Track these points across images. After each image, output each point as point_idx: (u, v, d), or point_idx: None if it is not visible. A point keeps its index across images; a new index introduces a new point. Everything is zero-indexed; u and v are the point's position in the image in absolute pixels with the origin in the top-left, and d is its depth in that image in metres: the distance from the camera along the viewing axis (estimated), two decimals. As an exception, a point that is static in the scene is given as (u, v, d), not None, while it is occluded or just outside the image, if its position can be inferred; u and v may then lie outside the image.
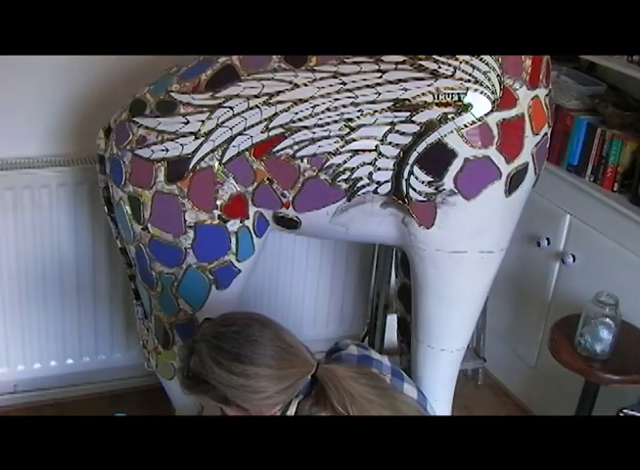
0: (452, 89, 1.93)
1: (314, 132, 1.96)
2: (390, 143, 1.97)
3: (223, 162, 2.01)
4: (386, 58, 1.94)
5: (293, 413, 1.54)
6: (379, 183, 2.02)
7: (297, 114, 1.96)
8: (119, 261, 2.39)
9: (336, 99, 1.95)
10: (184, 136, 1.99)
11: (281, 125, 1.97)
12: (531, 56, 1.99)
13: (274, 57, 1.97)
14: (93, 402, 2.76)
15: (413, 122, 1.95)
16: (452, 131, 1.95)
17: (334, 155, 1.98)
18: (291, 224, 2.12)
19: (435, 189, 2.00)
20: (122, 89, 2.26)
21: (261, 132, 1.98)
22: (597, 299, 2.17)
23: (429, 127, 1.94)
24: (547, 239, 2.61)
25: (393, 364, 1.71)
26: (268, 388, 1.51)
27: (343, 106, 1.95)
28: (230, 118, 1.98)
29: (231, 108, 1.97)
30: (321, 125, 1.96)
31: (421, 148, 1.96)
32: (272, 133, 1.98)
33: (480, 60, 1.93)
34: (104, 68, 2.44)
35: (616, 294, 2.17)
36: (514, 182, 2.05)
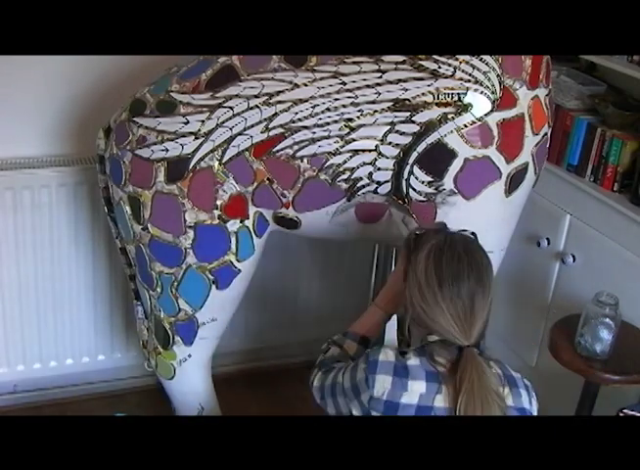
0: (452, 89, 1.93)
1: (314, 132, 1.96)
2: (390, 143, 1.97)
3: (223, 162, 2.01)
4: (386, 58, 1.94)
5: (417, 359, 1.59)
6: (379, 183, 2.02)
7: (296, 114, 1.96)
8: (119, 261, 2.39)
9: (336, 99, 1.95)
10: (184, 136, 1.99)
11: (281, 125, 1.97)
12: (531, 56, 1.99)
13: (274, 57, 1.97)
14: (93, 402, 2.76)
15: (413, 122, 1.95)
16: (452, 131, 1.95)
17: (334, 155, 1.98)
18: (291, 224, 2.12)
19: (435, 189, 2.00)
20: (122, 89, 2.26)
21: (261, 132, 1.98)
22: (597, 299, 2.17)
23: (429, 127, 1.94)
24: (547, 239, 2.61)
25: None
26: (437, 319, 1.57)
27: (343, 106, 1.95)
28: (230, 118, 1.98)
29: (231, 108, 1.97)
30: (321, 125, 1.96)
31: (421, 148, 1.96)
32: (272, 133, 1.98)
33: (480, 60, 1.93)
34: (104, 68, 2.44)
35: (616, 294, 2.17)
36: (514, 182, 2.05)
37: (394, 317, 2.71)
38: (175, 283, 2.13)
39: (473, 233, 1.75)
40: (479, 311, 1.58)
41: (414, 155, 1.97)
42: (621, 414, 1.95)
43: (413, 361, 1.58)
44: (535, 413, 1.65)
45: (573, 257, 2.52)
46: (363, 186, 2.02)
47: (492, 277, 1.64)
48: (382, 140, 1.97)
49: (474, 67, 1.93)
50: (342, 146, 1.97)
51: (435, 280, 1.58)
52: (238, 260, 2.12)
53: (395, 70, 1.94)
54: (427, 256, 1.62)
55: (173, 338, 2.23)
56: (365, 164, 1.99)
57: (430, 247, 1.63)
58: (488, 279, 1.62)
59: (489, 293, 1.61)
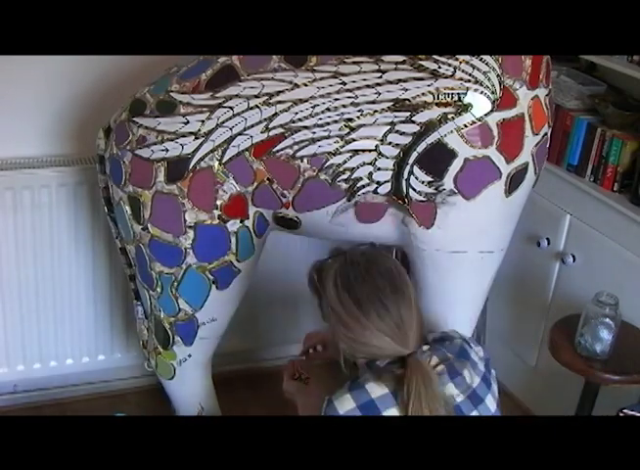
0: (452, 89, 1.93)
1: (314, 132, 1.96)
2: (390, 143, 1.97)
3: (223, 162, 2.01)
4: (386, 58, 1.94)
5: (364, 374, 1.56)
6: (379, 183, 2.02)
7: (296, 114, 1.96)
8: (119, 261, 2.39)
9: (336, 99, 1.95)
10: (184, 136, 1.99)
11: (281, 125, 1.97)
12: (531, 56, 1.99)
13: (274, 57, 1.97)
14: (93, 402, 2.76)
15: (413, 122, 1.95)
16: (452, 131, 1.95)
17: (334, 155, 1.98)
18: (291, 224, 2.12)
19: (435, 189, 2.00)
20: (122, 89, 2.26)
21: (261, 132, 1.98)
22: (597, 299, 2.17)
23: (429, 127, 1.94)
24: (547, 239, 2.61)
25: (491, 368, 1.68)
26: (370, 342, 1.54)
27: (343, 106, 1.95)
28: (230, 118, 1.98)
29: (231, 108, 1.97)
30: (321, 125, 1.96)
31: (421, 148, 1.96)
32: (272, 133, 1.98)
33: (480, 60, 1.93)
34: (104, 68, 2.44)
35: (616, 294, 2.17)
36: (514, 182, 2.05)
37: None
38: (175, 283, 2.13)
39: (371, 243, 1.72)
40: (408, 317, 1.55)
41: (414, 155, 1.97)
42: (621, 414, 1.95)
43: (376, 390, 1.54)
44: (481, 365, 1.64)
45: (573, 257, 2.52)
46: (363, 186, 2.02)
47: (406, 277, 1.60)
48: (382, 140, 1.97)
49: (474, 67, 1.93)
50: (343, 146, 1.97)
51: (353, 304, 1.55)
52: (238, 260, 2.12)
53: (395, 70, 1.94)
54: (334, 284, 1.59)
55: (173, 338, 2.23)
56: (365, 164, 1.99)
57: (333, 273, 1.60)
58: (403, 281, 1.59)
59: (410, 294, 1.58)
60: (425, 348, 1.60)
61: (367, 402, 1.53)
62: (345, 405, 1.53)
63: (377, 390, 1.54)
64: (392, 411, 1.52)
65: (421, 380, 1.51)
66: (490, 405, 1.63)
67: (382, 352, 1.55)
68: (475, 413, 1.59)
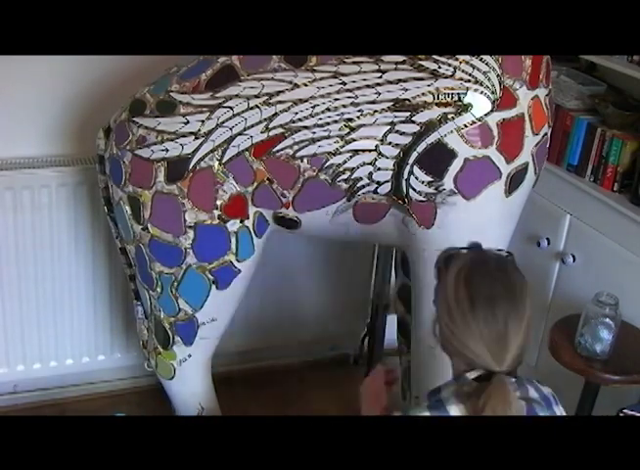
0: (452, 89, 1.93)
1: (314, 132, 1.96)
2: (390, 143, 1.97)
3: (223, 162, 2.01)
4: (386, 58, 1.94)
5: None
6: (379, 183, 2.02)
7: (296, 114, 1.96)
8: (119, 261, 2.39)
9: (336, 99, 1.95)
10: (184, 136, 1.99)
11: (281, 125, 1.97)
12: (531, 56, 1.99)
13: (274, 57, 1.97)
14: (93, 402, 2.76)
15: (413, 122, 1.95)
16: (452, 131, 1.95)
17: (334, 155, 1.98)
18: (291, 224, 2.12)
19: (435, 189, 2.00)
20: (122, 89, 2.26)
21: (261, 132, 1.98)
22: (597, 299, 2.17)
23: (429, 127, 1.94)
24: (547, 239, 2.61)
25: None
26: (467, 342, 1.49)
27: (343, 106, 1.95)
28: (230, 118, 1.98)
29: (231, 108, 1.97)
30: (321, 125, 1.96)
31: (421, 148, 1.96)
32: (272, 133, 1.98)
33: (480, 60, 1.93)
34: (104, 68, 2.44)
35: (616, 294, 2.17)
36: (514, 182, 2.05)
37: (394, 317, 2.71)
38: (175, 283, 2.13)
39: (509, 252, 1.67)
40: (513, 335, 1.48)
41: (414, 155, 1.97)
42: (621, 414, 1.95)
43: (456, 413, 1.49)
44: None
45: (573, 257, 2.52)
46: (363, 186, 2.02)
47: (528, 300, 1.53)
48: (382, 140, 1.97)
49: (474, 67, 1.93)
50: (343, 146, 1.97)
51: (467, 301, 1.49)
52: (238, 260, 2.12)
53: (395, 70, 1.94)
54: (457, 275, 1.53)
55: (173, 338, 2.23)
56: (365, 164, 1.99)
57: (460, 265, 1.55)
58: (523, 301, 1.51)
59: (525, 316, 1.51)
60: (512, 379, 1.53)
61: None
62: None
63: (456, 412, 1.49)
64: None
65: (501, 400, 1.46)
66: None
67: (473, 358, 1.49)
68: None
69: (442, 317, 1.54)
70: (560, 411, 1.61)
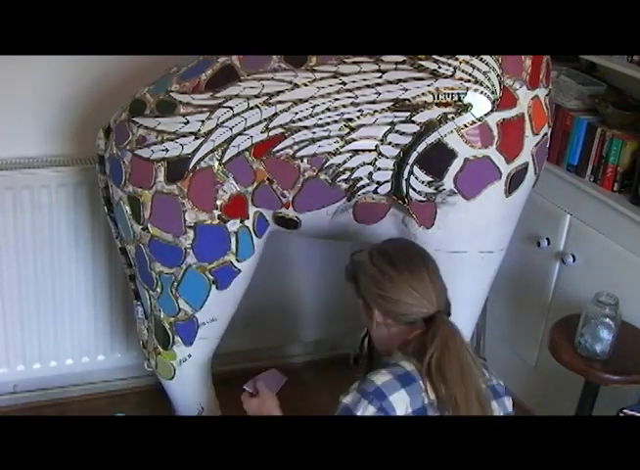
0: (452, 89, 1.93)
1: (314, 132, 1.96)
2: (390, 143, 1.97)
3: (223, 162, 2.01)
4: (386, 58, 1.94)
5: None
6: (379, 183, 2.02)
7: (296, 114, 1.96)
8: (119, 261, 2.39)
9: (336, 99, 1.95)
10: (184, 136, 1.99)
11: (281, 125, 1.97)
12: (531, 56, 1.99)
13: (274, 57, 1.97)
14: (93, 402, 2.76)
15: (413, 122, 1.95)
16: (452, 131, 1.95)
17: (334, 155, 1.98)
18: (291, 224, 2.12)
19: (435, 189, 2.00)
20: (122, 89, 2.26)
21: (261, 132, 1.98)
22: (597, 299, 2.17)
23: (429, 127, 1.94)
24: (547, 239, 2.61)
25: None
26: (401, 298, 1.66)
27: (343, 106, 1.95)
28: (230, 118, 1.98)
29: (231, 108, 1.97)
30: (321, 125, 1.96)
31: (421, 148, 1.96)
32: (272, 133, 1.98)
33: (480, 60, 1.93)
34: (104, 68, 2.44)
35: (616, 294, 2.17)
36: (514, 182, 2.05)
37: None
38: (175, 283, 2.13)
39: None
40: (435, 277, 1.68)
41: (414, 155, 1.97)
42: (621, 414, 1.95)
43: (408, 366, 1.62)
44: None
45: (573, 257, 2.52)
46: (363, 186, 2.02)
47: (435, 262, 1.73)
48: (382, 140, 1.97)
49: (474, 67, 1.93)
50: (342, 146, 1.97)
51: (387, 264, 1.67)
52: (238, 261, 2.12)
53: (395, 70, 1.94)
54: (369, 254, 1.72)
55: (173, 338, 2.23)
56: (365, 164, 1.99)
57: (369, 249, 1.74)
58: (432, 260, 1.72)
59: (437, 268, 1.71)
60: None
61: (403, 374, 1.59)
62: (382, 378, 1.58)
63: (408, 366, 1.61)
64: (422, 383, 1.58)
65: (448, 332, 1.61)
66: (508, 405, 1.70)
67: (411, 309, 1.64)
68: (494, 403, 1.65)
69: (371, 292, 1.70)
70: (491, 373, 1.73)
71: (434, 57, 1.92)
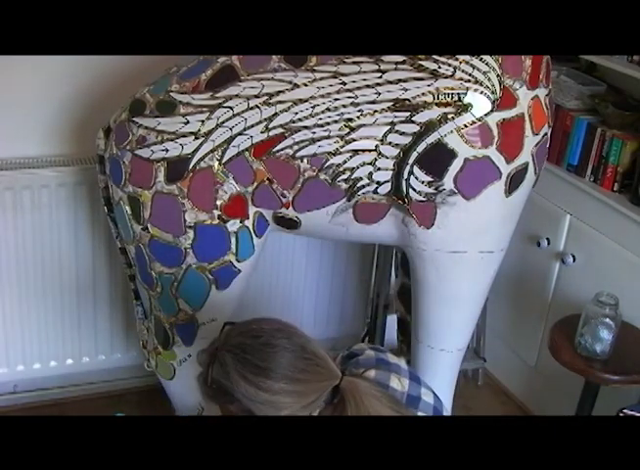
0: (452, 89, 1.93)
1: (314, 132, 1.96)
2: (390, 143, 1.97)
3: (223, 162, 2.01)
4: (386, 58, 1.94)
5: None
6: (379, 183, 2.01)
7: (296, 114, 1.96)
8: (119, 261, 2.39)
9: (336, 99, 1.95)
10: (184, 136, 1.99)
11: (281, 125, 1.97)
12: (531, 56, 1.99)
13: (274, 57, 1.97)
14: (93, 402, 2.76)
15: (413, 122, 1.95)
16: (452, 131, 1.95)
17: (334, 155, 1.98)
18: (291, 224, 2.12)
19: (435, 189, 2.00)
20: (122, 89, 2.26)
21: (261, 132, 1.98)
22: (597, 299, 2.17)
23: (429, 127, 1.94)
24: (547, 239, 2.61)
25: (410, 367, 1.66)
26: (294, 403, 1.47)
27: (343, 106, 1.95)
28: (230, 118, 1.98)
29: (231, 108, 1.97)
30: (321, 125, 1.96)
31: (421, 148, 1.96)
32: (272, 133, 1.98)
33: (480, 60, 1.93)
34: (104, 68, 2.44)
35: (616, 294, 2.17)
36: (514, 182, 2.05)
37: (394, 317, 2.71)
38: (175, 283, 2.13)
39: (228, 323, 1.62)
40: (320, 352, 1.49)
41: (414, 155, 1.97)
42: (621, 414, 1.95)
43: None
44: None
45: (573, 257, 2.52)
46: (363, 186, 2.02)
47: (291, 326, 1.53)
48: (382, 140, 1.97)
49: (474, 67, 1.93)
50: (343, 146, 1.97)
51: (251, 386, 1.47)
52: (238, 261, 2.12)
53: (395, 70, 1.94)
54: (233, 362, 1.48)
55: (173, 338, 2.23)
56: (365, 164, 1.99)
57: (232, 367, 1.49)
58: (290, 329, 1.51)
59: (296, 335, 1.50)
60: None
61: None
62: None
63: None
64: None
65: (360, 396, 1.45)
66: (428, 399, 1.60)
67: (317, 396, 1.47)
68: (420, 414, 1.56)
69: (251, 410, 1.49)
70: (390, 357, 1.62)
71: (434, 57, 1.93)
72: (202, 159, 2.00)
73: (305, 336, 1.52)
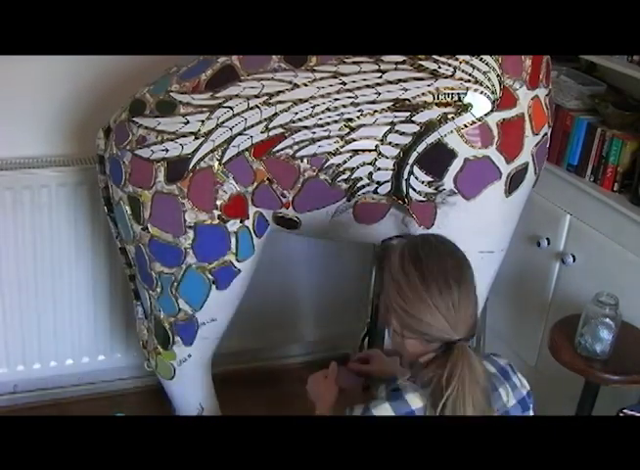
0: (452, 89, 1.93)
1: (314, 132, 1.96)
2: (390, 143, 1.97)
3: (223, 162, 2.01)
4: (386, 58, 1.94)
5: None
6: (379, 183, 2.02)
7: (296, 114, 1.96)
8: (119, 261, 2.39)
9: (336, 99, 1.95)
10: (184, 136, 1.99)
11: (281, 125, 1.97)
12: (531, 56, 1.99)
13: (274, 57, 1.97)
14: (93, 402, 2.76)
15: (413, 122, 1.95)
16: (452, 131, 1.95)
17: (334, 155, 1.98)
18: (291, 224, 2.12)
19: (435, 189, 2.00)
20: (122, 89, 2.26)
21: (261, 132, 1.98)
22: (597, 299, 2.17)
23: (429, 127, 1.94)
24: (547, 239, 2.60)
25: (531, 398, 1.65)
26: (424, 317, 1.51)
27: (343, 106, 1.95)
28: (230, 118, 1.98)
29: (231, 108, 1.97)
30: (321, 125, 1.96)
31: (421, 148, 1.96)
32: (272, 133, 1.98)
33: (480, 60, 1.93)
34: (104, 68, 2.44)
35: (616, 294, 2.17)
36: (514, 182, 2.05)
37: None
38: (175, 283, 2.13)
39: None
40: (465, 303, 1.52)
41: (414, 155, 1.97)
42: (621, 414, 1.95)
43: (416, 402, 1.50)
44: (527, 391, 1.62)
45: (573, 257, 2.52)
46: (363, 186, 2.02)
47: (471, 269, 1.58)
48: (382, 140, 1.97)
49: (474, 67, 1.93)
50: (343, 146, 1.97)
51: (416, 276, 1.51)
52: (238, 261, 2.12)
53: (395, 70, 1.94)
54: (401, 254, 1.54)
55: (173, 338, 2.23)
56: (365, 164, 1.99)
57: (402, 246, 1.56)
58: (468, 269, 1.57)
59: (471, 283, 1.56)
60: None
61: (408, 413, 1.49)
62: (384, 413, 1.49)
63: (417, 401, 1.50)
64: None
65: (467, 365, 1.47)
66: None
67: (432, 330, 1.51)
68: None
69: (394, 301, 1.54)
70: (518, 379, 1.62)
71: (434, 57, 1.93)
72: (202, 159, 2.00)
73: (470, 286, 1.56)
